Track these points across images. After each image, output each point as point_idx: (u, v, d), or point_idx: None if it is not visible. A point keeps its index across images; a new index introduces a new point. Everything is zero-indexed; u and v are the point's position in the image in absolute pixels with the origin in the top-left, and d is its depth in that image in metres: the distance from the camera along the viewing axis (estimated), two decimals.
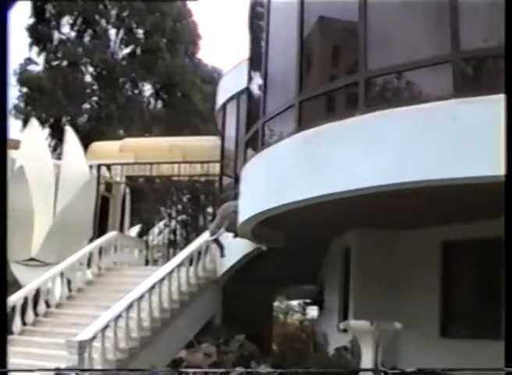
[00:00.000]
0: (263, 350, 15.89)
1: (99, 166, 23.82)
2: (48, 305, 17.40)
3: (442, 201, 10.66)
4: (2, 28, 3.70)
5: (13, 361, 14.21)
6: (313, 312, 23.71)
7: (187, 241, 21.49)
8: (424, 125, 9.11)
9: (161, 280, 15.78)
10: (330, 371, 11.85)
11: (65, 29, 42.91)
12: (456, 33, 9.18)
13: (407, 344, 13.40)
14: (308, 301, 24.37)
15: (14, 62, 41.14)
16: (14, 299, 16.23)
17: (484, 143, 8.03)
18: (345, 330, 13.58)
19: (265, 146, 12.34)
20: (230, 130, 20.11)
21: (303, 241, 15.25)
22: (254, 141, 13.44)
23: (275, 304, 26.58)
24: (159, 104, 45.41)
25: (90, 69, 43.21)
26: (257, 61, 14.04)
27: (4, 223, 3.73)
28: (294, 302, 30.41)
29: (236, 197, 14.88)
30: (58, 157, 26.93)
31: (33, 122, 24.70)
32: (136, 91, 44.78)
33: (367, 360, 10.28)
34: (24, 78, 41.35)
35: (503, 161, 6.01)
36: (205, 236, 17.84)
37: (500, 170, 7.03)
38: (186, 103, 42.12)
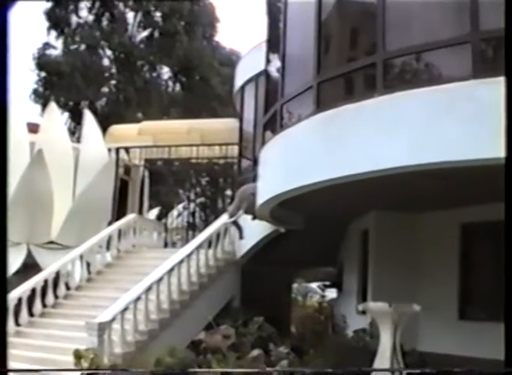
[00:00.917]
0: (281, 332, 15.93)
1: (118, 149, 23.86)
2: (67, 287, 17.52)
3: (462, 182, 10.61)
4: (2, 28, 3.69)
5: (34, 343, 14.44)
6: (332, 294, 23.76)
7: (206, 224, 21.55)
8: (443, 106, 9.06)
9: (180, 262, 15.83)
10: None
11: (83, 12, 42.95)
12: (476, 13, 9.10)
13: (426, 327, 13.40)
14: (327, 283, 24.42)
15: (32, 46, 41.28)
16: (34, 282, 16.36)
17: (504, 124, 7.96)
18: (364, 312, 13.59)
19: (284, 128, 12.33)
20: (248, 113, 20.09)
21: (322, 223, 15.24)
22: (273, 123, 13.42)
23: (294, 286, 26.65)
24: (177, 87, 45.37)
25: (108, 52, 43.21)
26: (275, 43, 13.99)
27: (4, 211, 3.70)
28: (313, 285, 30.51)
29: (254, 179, 14.89)
30: (77, 140, 26.98)
31: (52, 106, 24.76)
32: (155, 74, 44.76)
33: (385, 342, 10.29)
34: (42, 62, 41.44)
35: None
36: (224, 218, 17.88)
37: None
38: (204, 86, 42.06)
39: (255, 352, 13.46)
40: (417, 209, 13.64)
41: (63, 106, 39.48)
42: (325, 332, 16.68)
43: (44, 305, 16.57)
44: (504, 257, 4.27)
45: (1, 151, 3.59)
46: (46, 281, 16.67)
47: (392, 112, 9.56)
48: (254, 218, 15.28)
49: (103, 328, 13.19)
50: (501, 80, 8.23)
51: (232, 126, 22.11)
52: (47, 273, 16.91)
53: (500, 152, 7.97)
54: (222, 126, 23.65)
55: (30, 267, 19.25)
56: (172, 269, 15.45)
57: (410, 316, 10.64)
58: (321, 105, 11.01)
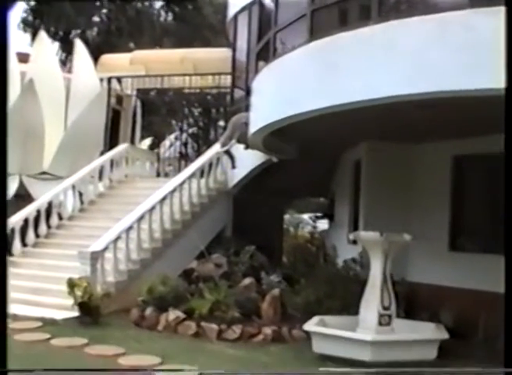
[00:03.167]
0: (273, 261, 16.07)
1: (109, 79, 23.62)
2: (60, 217, 17.57)
3: (455, 114, 10.54)
4: (2, 28, 3.63)
5: (27, 272, 14.52)
6: (323, 225, 23.89)
7: (198, 154, 21.53)
8: (438, 35, 8.94)
9: (173, 191, 15.87)
10: None
11: None
12: None
13: (416, 257, 13.51)
14: (319, 214, 24.53)
15: None
16: (27, 212, 16.37)
17: (499, 55, 7.84)
18: (355, 242, 13.67)
19: (277, 57, 12.19)
20: (242, 42, 19.84)
21: (314, 154, 15.23)
22: (266, 52, 13.29)
23: (286, 216, 26.78)
24: (170, 16, 44.75)
25: None
26: None
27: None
28: (305, 215, 30.67)
29: (247, 109, 14.80)
30: (69, 70, 26.67)
31: (42, 35, 24.32)
32: (147, 4, 44.05)
33: (375, 271, 10.37)
34: None
35: None
36: (216, 148, 17.84)
37: None
38: (196, 15, 41.48)
39: (247, 281, 13.57)
40: (410, 140, 13.60)
41: (53, 36, 38.79)
42: (316, 262, 16.81)
43: (37, 235, 16.64)
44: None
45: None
46: (38, 211, 16.70)
47: (387, 41, 9.43)
48: (247, 147, 15.24)
49: (96, 257, 13.29)
50: (498, 10, 8.14)
51: (225, 56, 21.87)
52: (39, 204, 16.92)
53: (496, 83, 7.92)
54: (215, 56, 23.38)
55: (23, 198, 19.25)
56: (164, 199, 15.50)
57: (401, 245, 10.70)
58: (315, 34, 10.88)
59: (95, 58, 24.53)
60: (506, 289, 3.84)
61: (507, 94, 4.05)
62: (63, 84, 22.67)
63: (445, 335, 10.30)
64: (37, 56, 22.77)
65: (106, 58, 25.16)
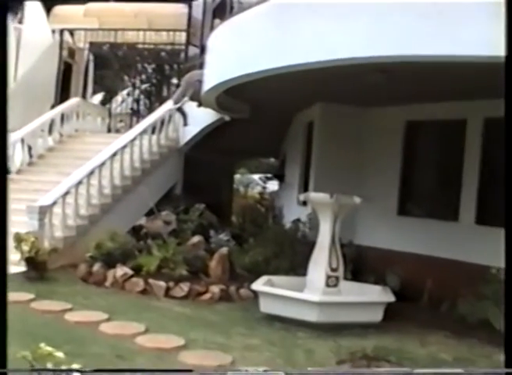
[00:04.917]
0: (222, 220, 16.10)
1: (62, 31, 23.18)
2: (8, 171, 17.24)
3: (411, 79, 10.54)
4: (2, 28, 3.53)
5: None
6: (273, 186, 23.96)
7: (150, 111, 21.32)
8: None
9: (123, 147, 15.71)
10: None
11: None
12: None
13: (365, 220, 13.62)
14: (269, 175, 24.58)
15: None
16: None
17: (466, 21, 7.79)
18: (304, 203, 13.72)
19: (234, 15, 12.03)
20: None
21: (267, 114, 15.19)
22: (222, 10, 13.13)
23: (236, 176, 26.76)
24: None
25: None
26: None
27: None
28: (255, 176, 30.71)
29: (201, 66, 14.66)
30: (20, 21, 26.11)
31: None
32: None
33: (324, 233, 10.40)
34: None
35: (483, 41, 5.86)
36: (169, 105, 17.69)
37: (477, 51, 6.99)
38: None
39: (195, 239, 13.56)
40: (364, 104, 13.61)
41: None
42: (265, 222, 16.87)
43: None
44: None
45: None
46: None
47: (349, 1, 9.29)
48: (200, 105, 15.13)
49: (44, 212, 13.13)
50: None
51: (180, 12, 21.67)
52: None
53: (457, 50, 7.87)
54: (170, 11, 23.13)
55: None
56: (114, 154, 15.35)
57: (350, 208, 10.74)
58: None
59: (48, 8, 24.03)
60: (506, 289, 3.88)
61: (507, 66, 4.03)
62: (14, 35, 22.17)
63: (391, 298, 10.41)
64: None
65: (59, 9, 24.69)
